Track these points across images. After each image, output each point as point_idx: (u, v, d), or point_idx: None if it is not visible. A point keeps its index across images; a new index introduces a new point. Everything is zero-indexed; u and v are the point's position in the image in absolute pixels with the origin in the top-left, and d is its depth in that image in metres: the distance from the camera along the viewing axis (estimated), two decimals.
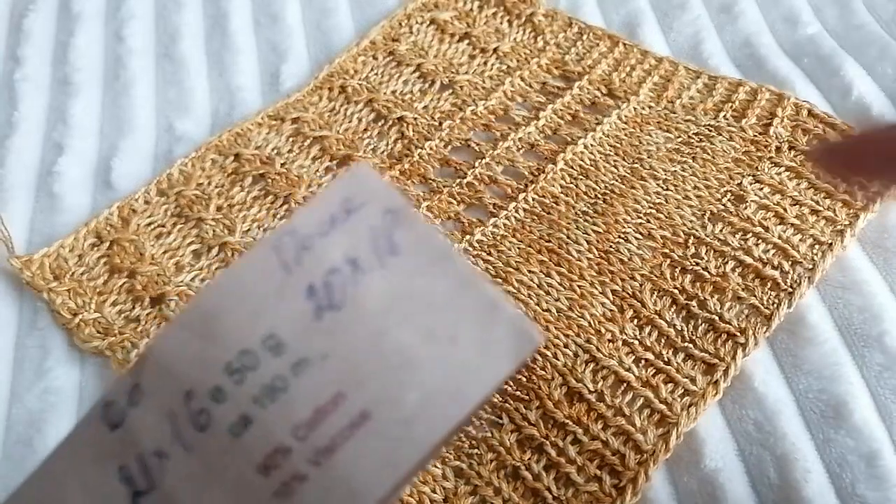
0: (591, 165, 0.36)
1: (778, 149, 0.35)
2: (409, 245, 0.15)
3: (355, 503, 0.14)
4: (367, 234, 0.15)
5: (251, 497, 0.14)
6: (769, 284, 0.30)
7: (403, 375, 0.15)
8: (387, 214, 0.15)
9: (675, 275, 0.31)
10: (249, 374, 0.14)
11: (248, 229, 0.35)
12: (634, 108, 0.38)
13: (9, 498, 0.15)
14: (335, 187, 0.16)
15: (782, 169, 0.34)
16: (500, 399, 0.29)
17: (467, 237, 0.34)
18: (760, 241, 0.32)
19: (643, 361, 0.29)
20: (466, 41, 0.42)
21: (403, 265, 0.15)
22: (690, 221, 0.33)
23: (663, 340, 0.30)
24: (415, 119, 0.38)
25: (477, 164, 0.36)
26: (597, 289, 0.31)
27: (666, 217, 0.33)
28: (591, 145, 0.36)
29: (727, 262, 0.31)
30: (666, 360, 0.29)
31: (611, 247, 0.33)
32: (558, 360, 0.29)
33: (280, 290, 0.15)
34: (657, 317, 0.30)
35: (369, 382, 0.15)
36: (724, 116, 0.37)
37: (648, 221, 0.33)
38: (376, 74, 0.41)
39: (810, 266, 0.31)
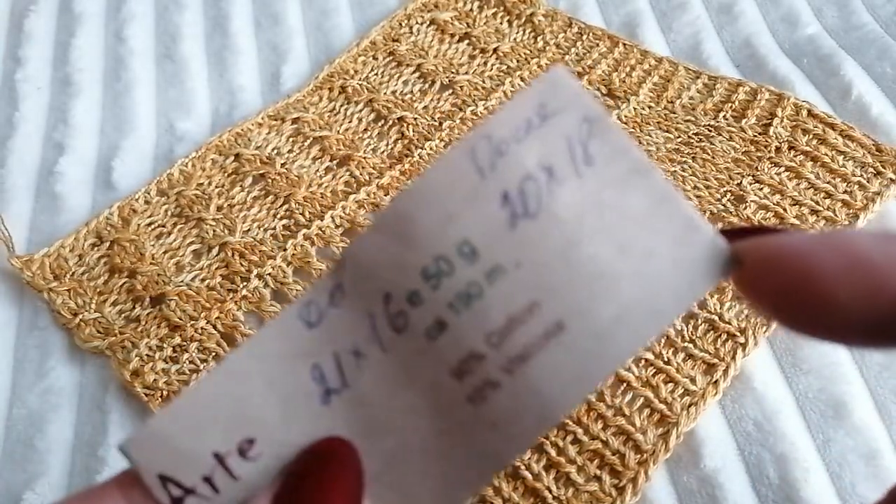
0: None
1: (778, 149, 0.35)
2: (605, 156, 0.15)
3: (544, 413, 0.14)
4: (563, 143, 0.15)
5: (444, 400, 0.14)
6: None
7: (598, 288, 0.14)
8: (584, 123, 0.15)
9: None
10: (445, 280, 0.14)
11: (249, 229, 0.35)
12: (634, 109, 0.38)
13: (191, 391, 0.15)
14: (531, 92, 0.15)
15: (782, 169, 0.34)
16: None
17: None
18: None
19: (643, 361, 0.29)
20: (466, 41, 0.42)
21: (599, 176, 0.15)
22: None
23: (663, 340, 0.30)
24: (415, 119, 0.39)
25: None
26: None
27: None
28: None
29: None
30: (666, 359, 0.29)
31: None
32: None
33: (474, 196, 0.15)
34: None
35: (564, 294, 0.14)
36: (724, 116, 0.37)
37: None
38: (376, 75, 0.41)
39: None
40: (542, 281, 0.14)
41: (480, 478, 0.15)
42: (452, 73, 0.41)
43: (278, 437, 0.15)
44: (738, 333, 0.29)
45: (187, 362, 0.31)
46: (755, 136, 0.36)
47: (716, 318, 0.30)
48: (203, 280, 0.33)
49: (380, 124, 0.39)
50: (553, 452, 0.27)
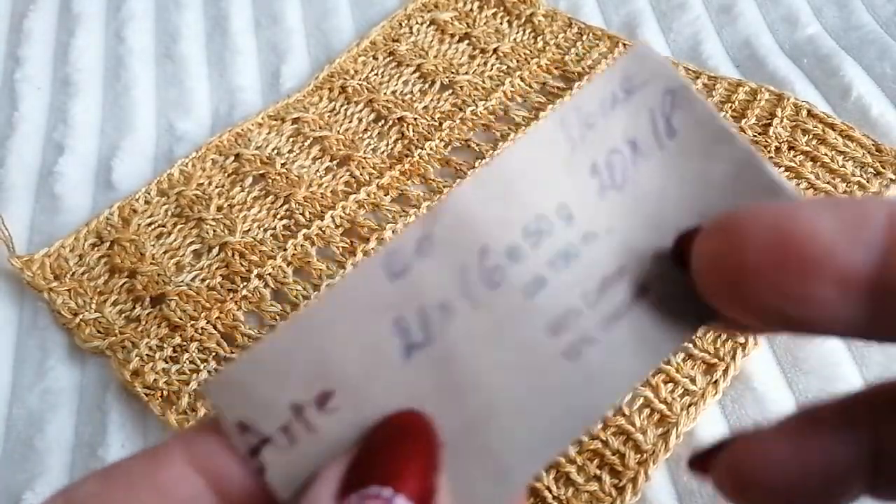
0: None
1: (777, 149, 0.35)
2: (687, 127, 0.15)
3: (635, 370, 0.15)
4: (647, 116, 0.15)
5: (537, 357, 0.15)
6: None
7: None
8: (666, 95, 0.15)
9: None
10: (546, 238, 0.15)
11: (249, 229, 0.35)
12: None
13: (271, 339, 0.14)
14: (617, 66, 0.16)
15: (782, 169, 0.34)
16: None
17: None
18: None
19: None
20: (466, 41, 0.42)
21: (682, 147, 0.15)
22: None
23: None
24: (415, 119, 0.39)
25: (477, 165, 0.36)
26: None
27: None
28: None
29: None
30: (666, 359, 0.29)
31: None
32: None
33: (567, 165, 0.15)
34: None
35: (649, 261, 0.15)
36: (724, 117, 0.37)
37: None
38: (376, 75, 0.41)
39: None
40: (629, 248, 0.15)
41: (571, 433, 0.15)
42: (452, 73, 0.41)
43: (358, 391, 0.14)
44: (738, 333, 0.29)
45: (187, 362, 0.31)
46: (755, 136, 0.36)
47: None
48: (203, 280, 0.33)
49: (380, 124, 0.39)
50: None
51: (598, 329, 0.15)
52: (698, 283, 0.14)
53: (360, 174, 0.37)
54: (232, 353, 0.31)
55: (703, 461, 0.16)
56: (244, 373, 0.14)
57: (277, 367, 0.14)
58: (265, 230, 0.35)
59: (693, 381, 0.28)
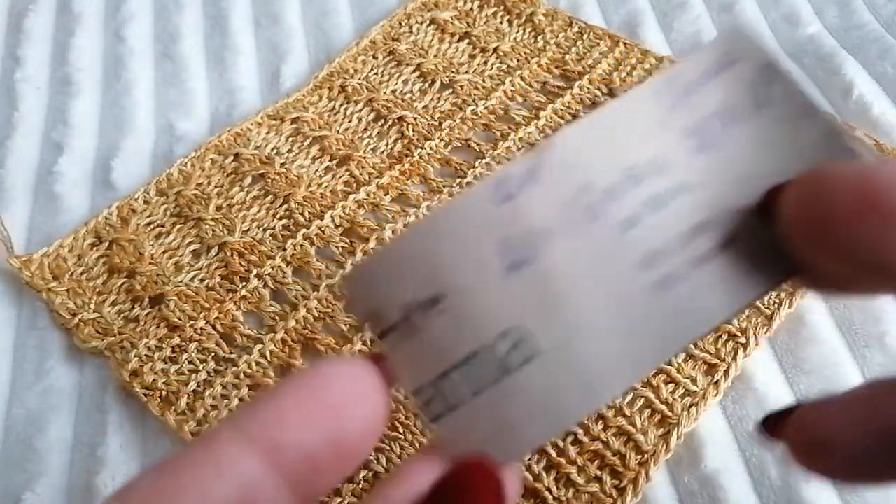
0: None
1: None
2: (779, 98, 0.17)
3: (718, 308, 0.16)
4: (742, 87, 0.17)
5: (629, 286, 0.16)
6: None
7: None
8: (762, 69, 0.17)
9: None
10: (641, 184, 0.16)
11: (248, 229, 0.35)
12: None
13: (395, 244, 0.17)
14: (718, 42, 0.17)
15: None
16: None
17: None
18: None
19: None
20: (466, 41, 0.42)
21: (773, 116, 0.17)
22: None
23: None
24: (415, 119, 0.38)
25: (477, 164, 0.36)
26: None
27: None
28: None
29: None
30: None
31: None
32: None
33: (664, 123, 0.17)
34: None
35: (736, 216, 0.17)
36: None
37: None
38: (376, 74, 0.41)
39: None
40: (719, 202, 0.17)
41: (654, 360, 0.16)
42: (452, 72, 0.40)
43: (464, 299, 0.16)
44: (739, 333, 0.29)
45: (186, 363, 0.31)
46: None
47: None
48: (202, 280, 0.33)
49: (379, 124, 0.39)
50: (553, 453, 0.27)
51: (687, 267, 0.16)
52: (786, 231, 0.15)
53: (360, 174, 0.37)
54: (231, 353, 0.31)
55: (774, 425, 0.16)
56: (373, 271, 0.17)
57: (399, 268, 0.16)
58: (264, 230, 0.35)
59: (694, 381, 0.28)
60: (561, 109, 0.38)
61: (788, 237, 0.15)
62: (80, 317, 0.32)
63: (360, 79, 0.41)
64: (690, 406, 0.28)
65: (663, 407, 0.28)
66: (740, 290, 0.16)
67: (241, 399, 0.30)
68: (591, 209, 0.16)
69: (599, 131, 0.17)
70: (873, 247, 0.13)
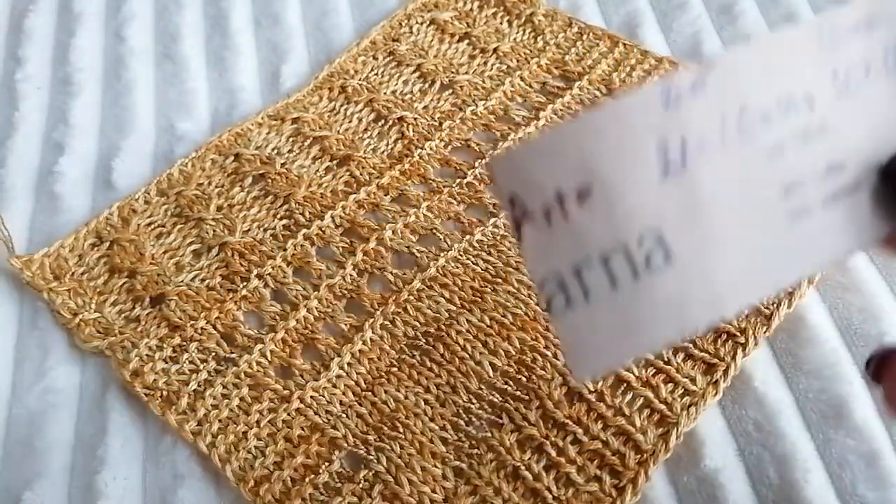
0: None
1: None
2: None
3: (834, 248, 0.18)
4: (881, 49, 0.18)
5: (766, 210, 0.17)
6: None
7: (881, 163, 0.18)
8: None
9: None
10: (792, 115, 0.17)
11: (248, 229, 0.35)
12: None
13: (550, 133, 0.17)
14: (864, 3, 0.18)
15: None
16: (500, 399, 0.29)
17: (467, 237, 0.34)
18: None
19: (643, 361, 0.29)
20: (466, 41, 0.42)
21: None
22: None
23: None
24: (415, 119, 0.38)
25: (477, 164, 0.36)
26: None
27: None
28: None
29: None
30: (666, 359, 0.29)
31: None
32: (559, 359, 0.29)
33: (816, 63, 0.18)
34: None
35: (870, 163, 0.18)
36: None
37: None
38: (376, 74, 0.41)
39: None
40: (852, 147, 0.18)
41: (777, 283, 0.18)
42: (452, 72, 0.41)
43: (614, 195, 0.17)
44: (739, 333, 0.29)
45: (187, 362, 0.31)
46: None
47: None
48: (203, 280, 0.33)
49: (380, 124, 0.39)
50: (553, 453, 0.27)
51: (817, 203, 0.18)
52: None
53: (360, 174, 0.37)
54: (231, 352, 0.31)
55: (876, 368, 0.18)
56: (523, 155, 0.17)
57: (552, 156, 0.17)
58: (265, 230, 0.35)
59: (693, 381, 0.28)
60: (561, 110, 0.38)
61: None
62: (80, 317, 0.32)
63: (360, 79, 0.41)
64: (690, 406, 0.28)
65: (662, 406, 0.28)
66: (861, 232, 0.18)
67: (241, 399, 0.30)
68: (746, 130, 0.17)
69: (761, 57, 0.17)
70: None
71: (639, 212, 0.17)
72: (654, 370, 0.29)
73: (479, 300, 0.31)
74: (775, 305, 0.30)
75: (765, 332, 0.29)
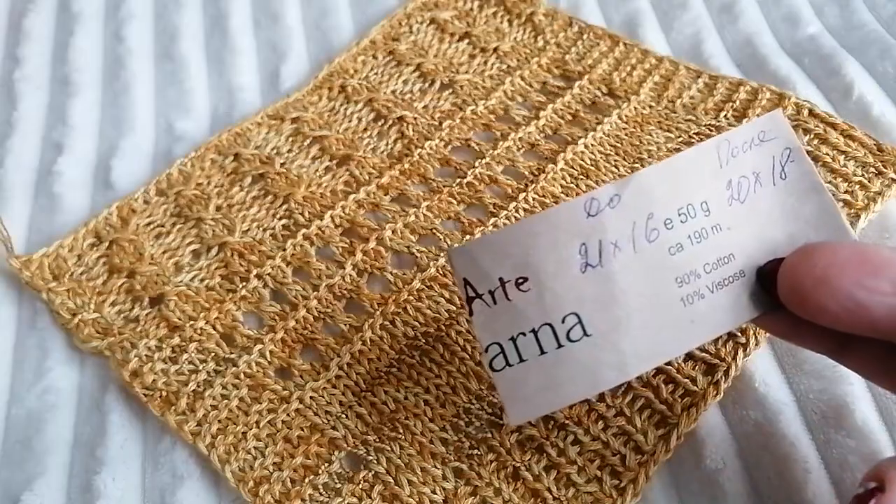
0: (592, 165, 0.36)
1: None
2: (795, 175, 0.23)
3: (723, 325, 0.22)
4: (770, 160, 0.22)
5: (665, 295, 0.21)
6: None
7: (770, 257, 0.22)
8: (786, 150, 0.23)
9: None
10: (690, 220, 0.22)
11: (248, 229, 0.35)
12: (635, 108, 0.38)
13: (496, 233, 0.21)
14: (760, 121, 0.23)
15: None
16: (501, 399, 0.29)
17: (467, 237, 0.34)
18: None
19: None
20: (466, 41, 0.42)
21: (787, 188, 0.23)
22: None
23: None
24: (415, 119, 0.38)
25: (477, 164, 0.36)
26: None
27: None
28: (592, 145, 0.36)
29: None
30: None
31: None
32: None
33: (713, 175, 0.22)
34: None
35: (749, 255, 0.22)
36: (725, 116, 0.37)
37: None
38: (376, 74, 0.41)
39: None
40: (739, 243, 0.22)
41: (672, 353, 0.21)
42: (452, 72, 0.40)
43: (545, 283, 0.21)
44: (739, 334, 0.29)
45: (186, 363, 0.31)
46: None
47: None
48: (202, 280, 0.33)
49: (379, 124, 0.39)
50: (553, 453, 0.27)
51: (707, 289, 0.21)
52: (780, 292, 0.21)
53: (360, 174, 0.37)
54: (231, 353, 0.31)
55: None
56: (476, 249, 0.21)
57: (496, 252, 0.21)
58: (264, 230, 0.35)
59: (694, 381, 0.28)
60: (561, 109, 0.38)
61: (783, 295, 0.21)
62: (80, 317, 0.32)
63: (359, 79, 0.40)
64: (690, 406, 0.28)
65: (663, 407, 0.28)
66: (742, 311, 0.22)
67: (241, 399, 0.30)
68: (651, 233, 0.21)
69: (667, 174, 0.22)
70: (846, 303, 0.19)
71: (563, 297, 0.21)
72: (655, 370, 0.29)
73: None
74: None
75: (766, 333, 0.29)
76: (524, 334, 0.21)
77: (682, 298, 0.21)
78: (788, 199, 0.22)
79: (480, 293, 0.21)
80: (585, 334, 0.21)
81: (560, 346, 0.21)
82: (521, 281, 0.21)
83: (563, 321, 0.21)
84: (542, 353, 0.21)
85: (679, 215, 0.21)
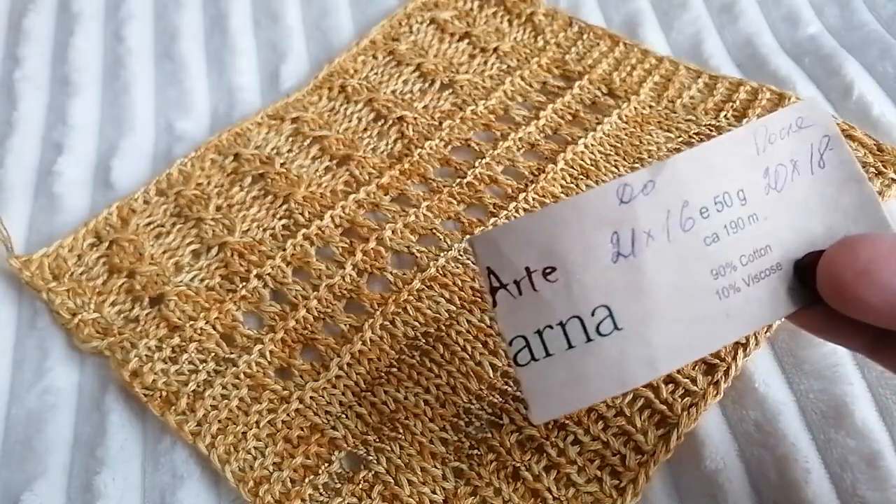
0: (592, 165, 0.36)
1: None
2: (834, 164, 0.22)
3: (762, 319, 0.21)
4: (808, 147, 0.21)
5: (699, 288, 0.20)
6: None
7: (807, 250, 0.21)
8: (825, 137, 0.22)
9: None
10: (726, 209, 0.21)
11: (248, 229, 0.35)
12: (635, 108, 0.38)
13: (522, 219, 0.20)
14: (797, 106, 0.22)
15: None
16: (501, 399, 0.29)
17: (467, 237, 0.34)
18: None
19: None
20: (466, 41, 0.42)
21: (826, 177, 0.22)
22: None
23: None
24: (415, 119, 0.38)
25: (477, 164, 0.36)
26: None
27: None
28: (592, 145, 0.36)
29: None
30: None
31: None
32: None
33: (750, 163, 0.21)
34: None
35: (786, 247, 0.21)
36: (725, 116, 0.37)
37: None
38: (376, 74, 0.41)
39: None
40: (776, 234, 0.21)
41: (705, 349, 0.20)
42: (452, 72, 0.40)
43: (573, 273, 0.20)
44: None
45: (186, 363, 0.31)
46: None
47: None
48: (202, 280, 0.33)
49: (379, 124, 0.39)
50: (554, 453, 0.27)
51: (743, 282, 0.20)
52: (818, 286, 0.20)
53: (360, 174, 0.37)
54: (231, 353, 0.31)
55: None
56: (500, 236, 0.20)
57: (521, 239, 0.20)
58: (264, 230, 0.35)
59: (694, 381, 0.28)
60: (561, 109, 0.38)
61: (821, 289, 0.20)
62: (80, 317, 0.32)
63: (359, 79, 0.40)
64: (690, 406, 0.28)
65: (663, 407, 0.28)
66: (779, 305, 0.21)
67: (240, 399, 0.30)
68: (686, 223, 0.20)
69: (702, 161, 0.21)
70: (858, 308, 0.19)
71: (593, 289, 0.20)
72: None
73: (479, 300, 0.31)
74: None
75: (766, 333, 0.29)
76: (551, 327, 0.20)
77: (717, 291, 0.20)
78: (827, 189, 0.21)
79: (505, 283, 0.20)
80: (616, 328, 0.20)
81: (589, 339, 0.20)
82: (548, 271, 0.20)
83: (592, 314, 0.20)
84: (570, 347, 0.20)
85: (715, 204, 0.20)
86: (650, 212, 0.20)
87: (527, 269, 0.20)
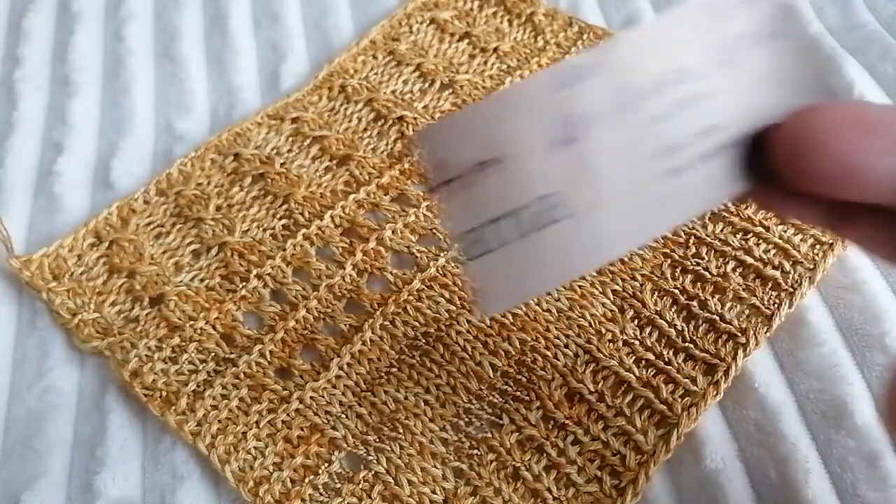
0: None
1: None
2: (792, 33, 0.21)
3: (710, 196, 0.20)
4: (765, 18, 0.20)
5: (650, 168, 0.19)
6: (770, 284, 0.30)
7: (761, 124, 0.20)
8: (783, 8, 0.21)
9: (676, 275, 0.31)
10: (677, 86, 0.19)
11: (248, 229, 0.35)
12: None
13: (467, 110, 0.21)
14: None
15: None
16: (501, 399, 0.29)
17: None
18: (761, 240, 0.32)
19: (644, 362, 0.29)
20: (466, 41, 0.42)
21: (784, 48, 0.20)
22: (691, 221, 0.33)
23: (664, 341, 0.30)
24: (415, 119, 0.38)
25: None
26: (597, 289, 0.31)
27: None
28: None
29: (728, 262, 0.31)
30: (666, 360, 0.29)
31: None
32: (559, 360, 0.29)
33: (698, 38, 0.20)
34: (658, 317, 0.30)
35: (742, 122, 0.20)
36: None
37: None
38: (376, 74, 0.41)
39: (811, 266, 0.31)
40: (727, 110, 0.20)
41: (655, 230, 0.20)
42: (452, 72, 0.40)
43: (518, 164, 0.19)
44: (739, 334, 0.29)
45: (186, 363, 0.31)
46: None
47: (716, 318, 0.30)
48: (202, 280, 0.33)
49: (379, 124, 0.39)
50: (553, 453, 0.27)
51: (696, 160, 0.20)
52: (775, 158, 0.19)
53: (360, 174, 0.37)
54: (231, 353, 0.31)
55: None
56: (441, 132, 0.19)
57: (465, 133, 0.19)
58: (264, 230, 0.35)
59: (694, 381, 0.28)
60: None
61: (776, 163, 0.19)
62: (80, 317, 0.32)
63: (359, 79, 0.40)
64: (690, 406, 0.28)
65: (663, 407, 0.28)
66: (731, 183, 0.20)
67: (240, 399, 0.30)
68: (634, 103, 0.19)
69: (651, 39, 0.20)
70: (844, 169, 0.17)
71: (539, 177, 0.19)
72: (655, 370, 0.29)
73: None
74: (776, 306, 0.30)
75: (766, 333, 0.29)
76: (498, 219, 0.19)
77: (666, 172, 0.20)
78: (785, 60, 0.20)
79: (450, 178, 0.19)
80: (564, 216, 0.19)
81: (538, 228, 0.19)
82: (492, 162, 0.19)
83: (540, 202, 0.19)
84: (519, 237, 0.19)
85: (663, 82, 0.19)
86: (592, 96, 0.19)
87: (471, 162, 0.19)
